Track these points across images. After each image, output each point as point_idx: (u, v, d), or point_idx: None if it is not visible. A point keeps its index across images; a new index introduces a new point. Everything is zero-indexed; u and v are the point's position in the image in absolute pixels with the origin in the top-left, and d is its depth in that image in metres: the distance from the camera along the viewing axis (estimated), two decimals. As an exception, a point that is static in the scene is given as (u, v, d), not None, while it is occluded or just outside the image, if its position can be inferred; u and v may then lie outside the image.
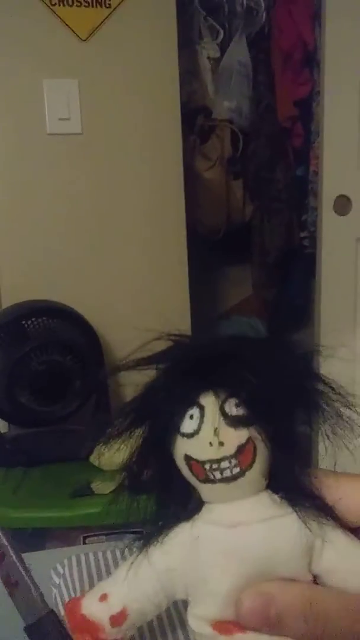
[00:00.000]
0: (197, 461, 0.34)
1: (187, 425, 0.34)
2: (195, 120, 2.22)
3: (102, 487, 1.47)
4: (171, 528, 0.36)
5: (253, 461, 0.34)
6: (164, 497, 0.37)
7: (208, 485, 0.34)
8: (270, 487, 0.35)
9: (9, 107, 1.74)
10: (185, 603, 0.37)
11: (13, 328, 1.61)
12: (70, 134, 1.78)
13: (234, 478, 0.34)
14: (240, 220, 2.34)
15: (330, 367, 0.38)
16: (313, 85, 2.14)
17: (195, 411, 0.34)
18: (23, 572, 0.37)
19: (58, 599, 0.54)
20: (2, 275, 1.80)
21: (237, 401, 0.34)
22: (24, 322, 1.61)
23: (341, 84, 1.96)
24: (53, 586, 0.56)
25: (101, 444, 0.36)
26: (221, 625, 0.34)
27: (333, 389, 0.35)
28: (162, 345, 0.35)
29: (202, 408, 0.34)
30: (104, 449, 0.36)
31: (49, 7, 1.71)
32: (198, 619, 0.35)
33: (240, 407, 0.34)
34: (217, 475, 0.34)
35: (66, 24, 1.73)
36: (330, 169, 2.02)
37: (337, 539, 0.34)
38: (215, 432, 0.33)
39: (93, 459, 1.58)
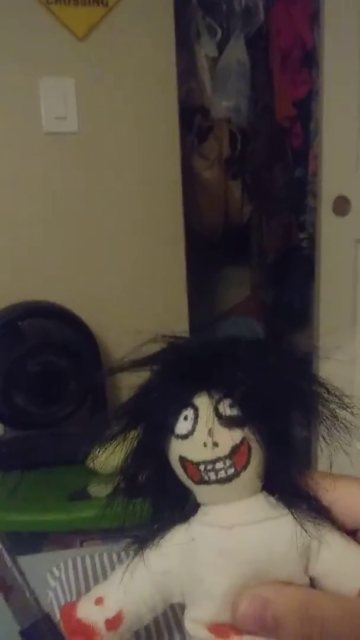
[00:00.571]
0: (191, 462, 0.34)
1: (182, 427, 0.34)
2: (193, 120, 2.21)
3: (99, 490, 1.47)
4: (167, 531, 0.36)
5: (248, 462, 0.34)
6: (159, 500, 0.37)
7: (203, 487, 0.34)
8: (266, 489, 0.35)
9: (5, 105, 1.74)
10: (182, 606, 0.36)
11: (8, 329, 1.61)
12: (67, 133, 1.78)
13: (229, 479, 0.34)
14: (238, 220, 2.34)
15: (328, 369, 0.38)
16: (312, 85, 2.14)
17: (189, 412, 0.34)
18: (18, 576, 0.37)
19: (54, 603, 0.54)
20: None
21: (231, 402, 0.34)
22: (19, 322, 1.61)
23: (340, 84, 1.96)
24: (49, 589, 0.56)
25: (96, 447, 0.36)
26: (217, 628, 0.34)
27: (328, 390, 0.35)
28: (158, 347, 0.35)
29: (196, 409, 0.34)
30: (99, 452, 0.36)
31: (45, 5, 1.71)
32: (194, 622, 0.35)
33: (234, 408, 0.34)
34: (212, 476, 0.34)
35: (63, 23, 1.72)
36: (330, 169, 2.02)
37: (334, 541, 0.34)
38: (210, 432, 0.33)
39: (90, 461, 1.57)
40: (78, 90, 1.76)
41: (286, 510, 0.34)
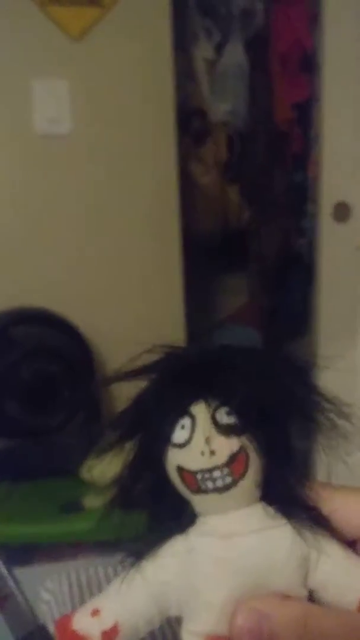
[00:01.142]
0: (188, 471, 0.34)
1: (179, 436, 0.34)
2: (190, 123, 2.20)
3: (93, 501, 1.46)
4: (164, 542, 0.35)
5: (245, 471, 0.33)
6: (157, 511, 0.36)
7: (200, 496, 0.34)
8: (264, 499, 0.35)
9: (-3, 107, 1.74)
10: (179, 620, 0.36)
11: (1, 335, 1.61)
12: (60, 136, 1.77)
13: (227, 488, 0.33)
14: (236, 226, 2.33)
15: (328, 378, 0.38)
16: (311, 88, 2.13)
17: (186, 421, 0.34)
18: (13, 587, 0.37)
19: (48, 616, 0.53)
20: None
21: (228, 410, 0.33)
22: (12, 329, 1.60)
23: (340, 88, 1.98)
24: (43, 602, 0.57)
25: (92, 458, 0.35)
26: None
27: (327, 399, 0.34)
28: (154, 356, 0.35)
29: (193, 417, 0.34)
30: (96, 463, 0.35)
31: (39, 5, 1.70)
32: (192, 635, 0.35)
33: (231, 416, 0.33)
34: (210, 485, 0.33)
35: (57, 23, 1.71)
36: (330, 174, 2.02)
37: (333, 551, 0.34)
38: (207, 440, 0.33)
39: (84, 472, 1.57)
40: (72, 92, 1.75)
41: (285, 520, 0.34)
